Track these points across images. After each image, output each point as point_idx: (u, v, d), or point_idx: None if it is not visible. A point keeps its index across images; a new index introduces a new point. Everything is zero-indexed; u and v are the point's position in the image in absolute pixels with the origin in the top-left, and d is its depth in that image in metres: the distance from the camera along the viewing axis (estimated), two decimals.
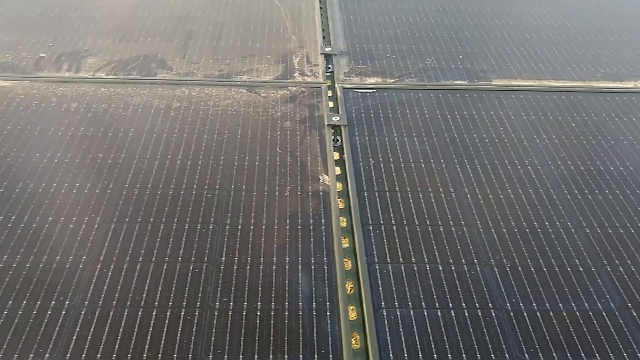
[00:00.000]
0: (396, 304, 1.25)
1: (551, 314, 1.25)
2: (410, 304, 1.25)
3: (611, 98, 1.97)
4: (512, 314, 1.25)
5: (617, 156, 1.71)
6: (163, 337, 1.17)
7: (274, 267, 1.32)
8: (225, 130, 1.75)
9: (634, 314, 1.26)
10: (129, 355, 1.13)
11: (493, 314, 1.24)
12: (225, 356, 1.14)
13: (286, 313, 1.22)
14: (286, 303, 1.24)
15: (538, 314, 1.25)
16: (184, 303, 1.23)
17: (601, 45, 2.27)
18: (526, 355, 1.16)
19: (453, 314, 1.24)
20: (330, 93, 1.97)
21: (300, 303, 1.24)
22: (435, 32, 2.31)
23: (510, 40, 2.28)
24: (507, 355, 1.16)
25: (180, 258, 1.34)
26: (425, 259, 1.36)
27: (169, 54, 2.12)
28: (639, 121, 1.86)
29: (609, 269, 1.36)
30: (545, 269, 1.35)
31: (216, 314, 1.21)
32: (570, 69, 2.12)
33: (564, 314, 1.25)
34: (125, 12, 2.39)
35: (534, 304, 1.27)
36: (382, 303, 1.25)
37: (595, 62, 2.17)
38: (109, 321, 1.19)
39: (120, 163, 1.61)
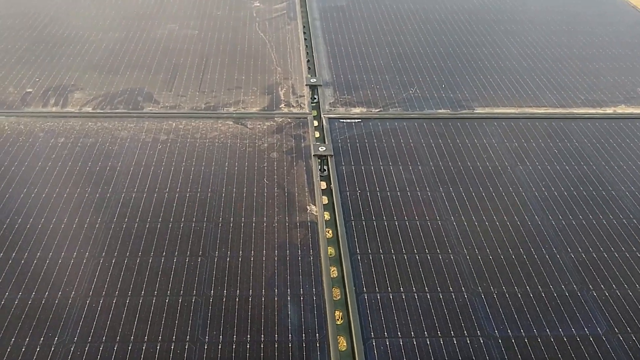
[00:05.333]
0: (385, 333, 1.26)
1: (539, 339, 1.26)
2: (399, 333, 1.26)
3: (592, 124, 2.01)
4: (500, 341, 1.26)
5: (599, 181, 1.74)
6: None
7: (263, 299, 1.33)
8: (213, 162, 1.76)
9: (621, 338, 1.27)
10: None
11: (482, 341, 1.25)
12: None
13: (276, 345, 1.22)
14: (276, 335, 1.24)
15: (526, 340, 1.26)
16: (174, 337, 1.23)
17: (581, 72, 2.32)
18: None
19: (442, 342, 1.25)
20: (316, 123, 2.00)
21: (289, 335, 1.24)
22: (418, 62, 2.35)
23: (492, 68, 2.32)
24: None
25: (169, 292, 1.34)
26: (414, 288, 1.37)
27: (156, 88, 2.14)
28: (619, 146, 1.90)
29: (595, 294, 1.38)
30: (531, 295, 1.37)
31: (206, 347, 1.21)
32: (551, 96, 2.16)
33: (552, 339, 1.26)
34: (111, 47, 2.41)
35: (522, 331, 1.28)
36: (372, 333, 1.26)
37: (576, 89, 2.21)
38: (99, 357, 1.19)
39: (108, 197, 1.61)
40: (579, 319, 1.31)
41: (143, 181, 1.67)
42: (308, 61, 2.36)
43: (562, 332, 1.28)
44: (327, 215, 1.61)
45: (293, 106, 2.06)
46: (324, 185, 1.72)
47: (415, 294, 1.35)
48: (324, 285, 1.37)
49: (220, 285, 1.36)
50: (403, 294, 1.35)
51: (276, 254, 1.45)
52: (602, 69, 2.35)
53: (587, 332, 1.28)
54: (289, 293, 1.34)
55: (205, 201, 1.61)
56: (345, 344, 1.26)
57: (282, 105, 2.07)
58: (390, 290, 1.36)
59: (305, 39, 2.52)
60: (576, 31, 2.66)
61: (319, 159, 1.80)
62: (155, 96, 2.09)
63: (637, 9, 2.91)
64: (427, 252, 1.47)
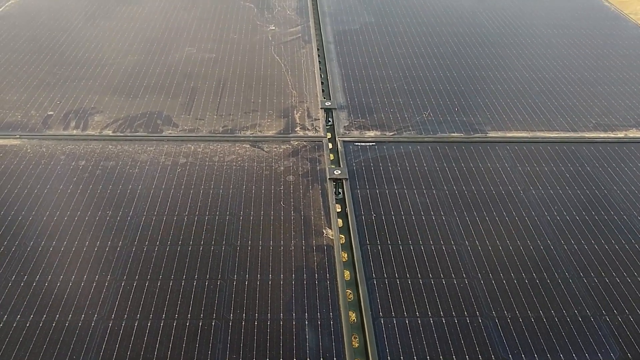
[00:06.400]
0: (402, 357, 1.28)
1: None
2: (415, 357, 1.28)
3: (603, 148, 2.03)
4: None
5: (611, 205, 1.76)
6: None
7: (281, 323, 1.35)
8: (231, 185, 1.80)
9: None
10: None
11: None
12: None
13: None
14: (294, 359, 1.27)
15: None
16: None
17: (592, 96, 2.35)
18: None
19: None
20: (330, 146, 2.03)
21: (307, 359, 1.27)
22: (432, 86, 2.39)
23: (504, 92, 2.36)
24: None
25: (189, 315, 1.37)
26: (429, 312, 1.39)
27: (174, 111, 2.19)
28: (630, 170, 1.92)
29: (608, 319, 1.40)
30: (545, 320, 1.39)
31: None
32: (562, 120, 2.19)
33: None
34: (130, 70, 2.47)
35: (536, 355, 1.30)
36: (388, 357, 1.28)
37: (587, 112, 2.24)
38: None
39: (129, 220, 1.65)
40: (592, 344, 1.33)
41: (163, 204, 1.71)
42: (323, 84, 2.40)
43: (575, 357, 1.30)
44: (342, 239, 1.64)
45: (308, 129, 2.10)
46: (339, 208, 1.75)
47: (431, 319, 1.38)
48: (341, 309, 1.39)
49: (239, 309, 1.39)
50: (419, 319, 1.37)
51: (293, 277, 1.48)
52: (613, 93, 2.38)
53: (601, 358, 1.30)
54: (306, 317, 1.37)
55: (224, 224, 1.64)
56: None
57: (298, 128, 2.11)
58: (406, 315, 1.38)
59: (319, 62, 2.56)
60: (587, 55, 2.69)
61: (334, 182, 1.83)
62: (174, 119, 2.14)
63: None
64: (442, 276, 1.50)
